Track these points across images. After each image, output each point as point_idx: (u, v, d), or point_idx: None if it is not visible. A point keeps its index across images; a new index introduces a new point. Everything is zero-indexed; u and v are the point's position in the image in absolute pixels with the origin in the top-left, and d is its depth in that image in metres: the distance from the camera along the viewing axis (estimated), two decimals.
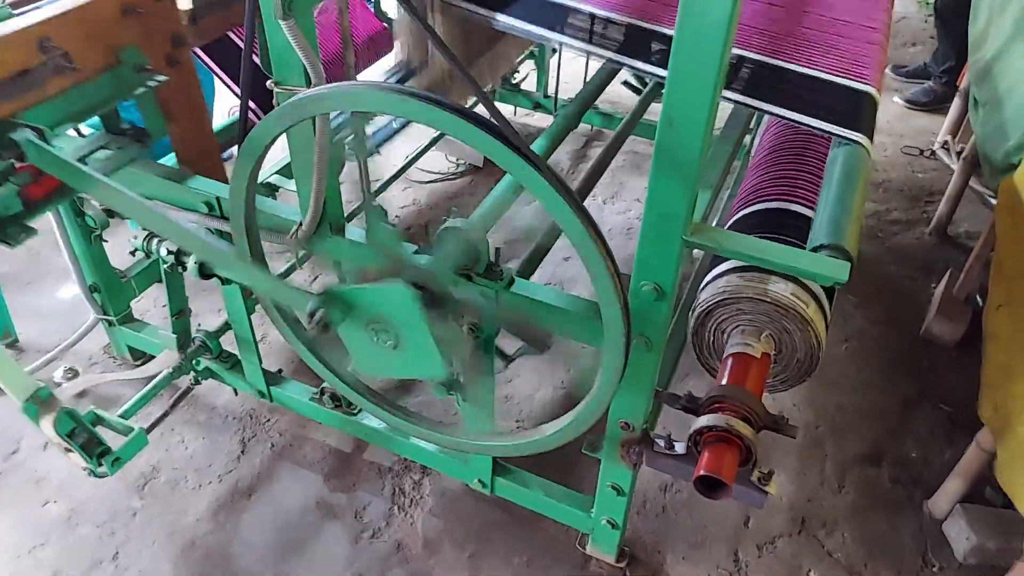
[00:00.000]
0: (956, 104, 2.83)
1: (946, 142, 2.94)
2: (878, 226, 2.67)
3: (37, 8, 1.21)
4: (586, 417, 1.22)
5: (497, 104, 2.97)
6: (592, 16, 1.43)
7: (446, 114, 0.92)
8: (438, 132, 2.84)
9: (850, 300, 2.34)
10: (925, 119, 3.34)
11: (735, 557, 1.67)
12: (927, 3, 4.34)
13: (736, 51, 1.45)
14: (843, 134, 1.29)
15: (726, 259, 1.36)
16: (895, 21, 4.38)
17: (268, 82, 1.19)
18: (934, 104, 3.37)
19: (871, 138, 1.31)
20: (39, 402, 1.43)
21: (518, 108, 3.06)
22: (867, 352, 2.18)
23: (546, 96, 2.96)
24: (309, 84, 1.15)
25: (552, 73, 2.84)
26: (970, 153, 2.39)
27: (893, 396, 2.04)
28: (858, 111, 1.36)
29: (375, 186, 2.51)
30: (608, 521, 1.54)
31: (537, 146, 1.77)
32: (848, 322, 2.27)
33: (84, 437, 1.50)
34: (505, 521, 1.70)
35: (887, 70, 3.72)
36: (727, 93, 1.36)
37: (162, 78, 1.36)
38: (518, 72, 2.97)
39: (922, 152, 3.05)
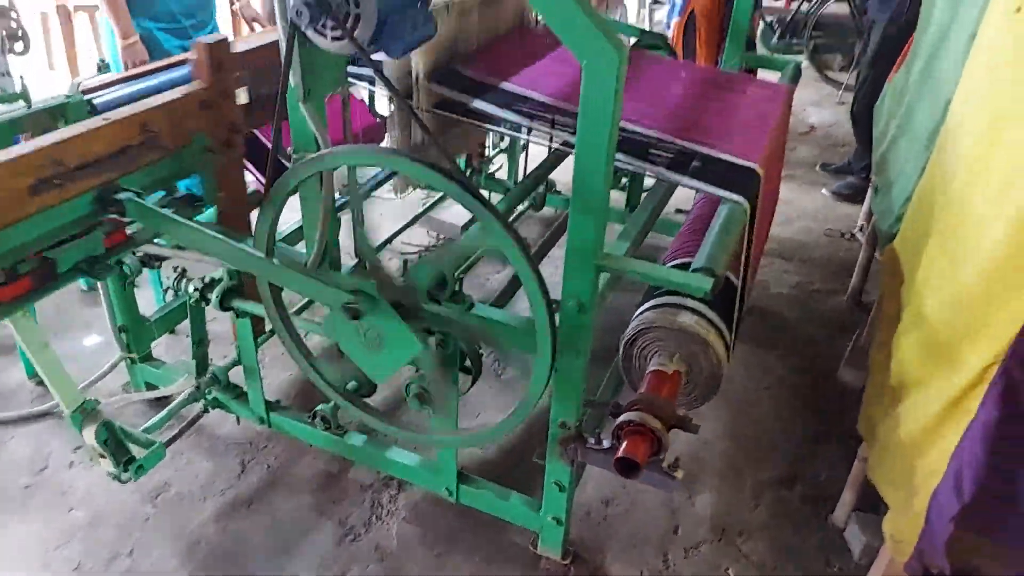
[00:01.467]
0: (870, 194, 3.30)
1: (862, 226, 3.39)
2: (802, 295, 3.07)
3: (119, 100, 1.62)
4: (526, 408, 1.54)
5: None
6: (535, 102, 1.85)
7: (414, 164, 1.29)
8: (421, 210, 3.28)
9: (773, 355, 2.70)
10: (848, 208, 3.82)
11: (664, 558, 1.95)
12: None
13: (656, 134, 1.86)
14: (728, 196, 1.68)
15: (649, 300, 1.72)
16: (828, 126, 4.99)
17: (288, 147, 1.58)
18: (855, 195, 3.86)
19: (752, 200, 1.71)
20: (85, 413, 1.74)
21: (492, 193, 3.50)
22: (786, 396, 2.52)
23: (515, 184, 3.41)
24: (318, 150, 1.55)
25: (521, 164, 3.30)
26: (871, 230, 2.83)
27: (806, 431, 2.37)
28: (743, 181, 1.76)
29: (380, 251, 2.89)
30: (554, 518, 1.83)
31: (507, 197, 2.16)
32: (770, 373, 2.62)
33: (115, 446, 1.79)
34: (470, 527, 1.97)
35: (816, 167, 4.26)
36: (645, 166, 1.77)
37: (221, 157, 1.75)
38: (492, 163, 3.43)
39: (843, 235, 3.50)
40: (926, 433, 1.42)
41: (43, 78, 4.89)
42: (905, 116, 2.59)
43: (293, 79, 1.43)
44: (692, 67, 2.42)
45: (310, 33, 1.33)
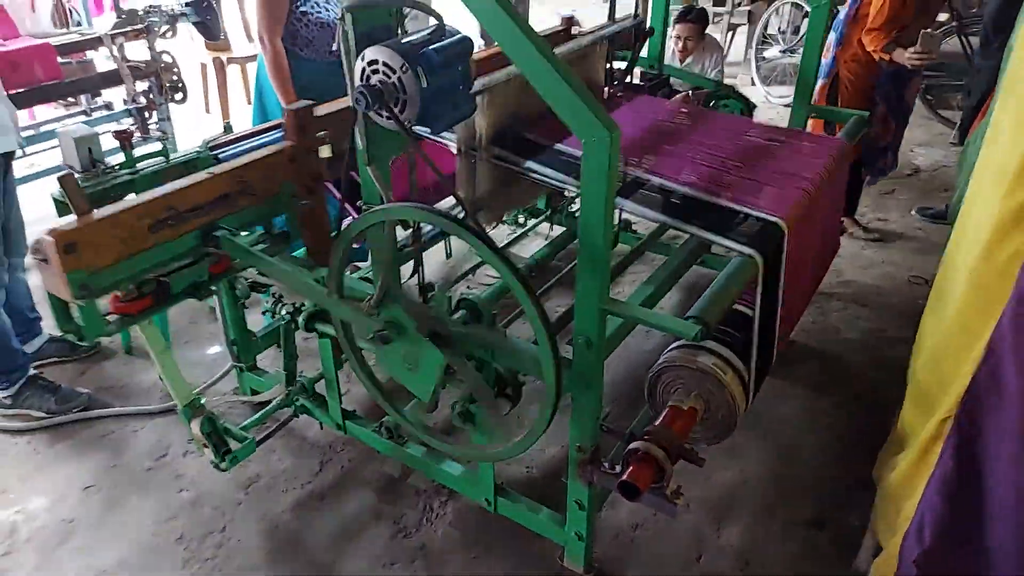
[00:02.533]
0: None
1: None
2: (871, 341, 3.07)
3: (237, 154, 2.03)
4: (538, 430, 1.75)
5: (557, 227, 3.68)
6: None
7: (446, 221, 1.56)
8: (505, 242, 3.55)
9: (831, 400, 2.74)
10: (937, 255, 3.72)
11: None
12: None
13: (674, 186, 2.03)
14: (737, 248, 1.83)
15: (677, 340, 1.89)
16: (934, 169, 4.84)
17: (359, 201, 1.90)
18: None
19: (768, 253, 1.85)
20: (193, 407, 2.13)
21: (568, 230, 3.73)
22: (834, 441, 2.56)
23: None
24: (383, 203, 1.85)
25: None
26: None
27: (848, 476, 2.41)
28: (762, 234, 1.90)
29: (458, 283, 3.20)
30: (576, 534, 2.02)
31: (541, 251, 2.39)
32: (823, 416, 2.66)
33: (216, 438, 2.17)
34: (506, 536, 2.20)
35: (912, 211, 4.18)
36: (666, 219, 1.95)
37: (306, 202, 2.11)
38: (575, 203, 3.66)
39: (927, 282, 3.44)
40: (906, 480, 1.51)
41: (199, 120, 5.65)
42: (977, 172, 2.59)
43: (360, 145, 1.75)
44: (748, 123, 2.54)
45: (371, 113, 1.64)
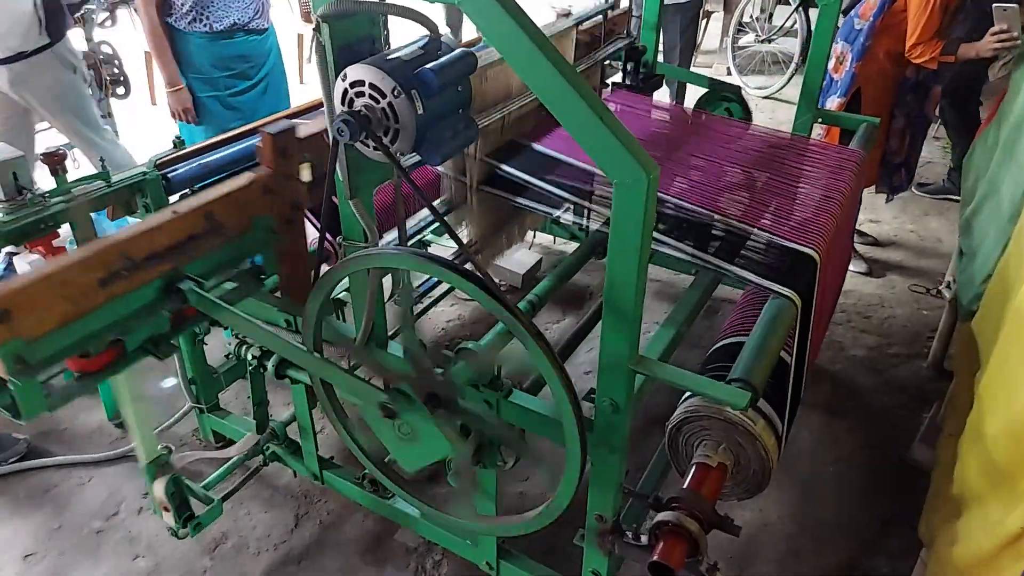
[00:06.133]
0: (955, 253, 3.11)
1: (949, 282, 3.19)
2: (878, 359, 2.91)
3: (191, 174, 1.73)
4: (560, 504, 1.53)
5: (540, 234, 3.44)
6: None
7: (444, 270, 1.31)
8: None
9: (843, 425, 2.58)
10: (935, 261, 3.60)
11: None
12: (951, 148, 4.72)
13: (708, 212, 1.82)
14: (776, 289, 1.62)
15: None
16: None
17: (338, 237, 1.64)
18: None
19: (804, 292, 1.65)
20: (159, 465, 1.85)
21: (556, 238, 3.50)
22: (853, 474, 2.40)
23: (581, 229, 3.39)
24: (366, 241, 1.59)
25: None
26: (954, 296, 2.65)
27: (873, 515, 2.25)
28: (797, 270, 1.70)
29: (427, 299, 2.93)
30: None
31: (555, 273, 2.15)
32: (839, 445, 2.50)
33: (179, 501, 1.89)
34: None
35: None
36: (694, 254, 1.73)
37: (283, 237, 1.82)
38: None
39: (928, 291, 3.30)
40: (981, 564, 1.32)
41: (146, 114, 5.23)
42: (991, 180, 2.43)
43: (340, 176, 1.48)
44: (754, 131, 2.34)
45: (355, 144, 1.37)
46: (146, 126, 4.73)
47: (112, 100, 3.74)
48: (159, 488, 1.84)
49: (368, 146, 1.36)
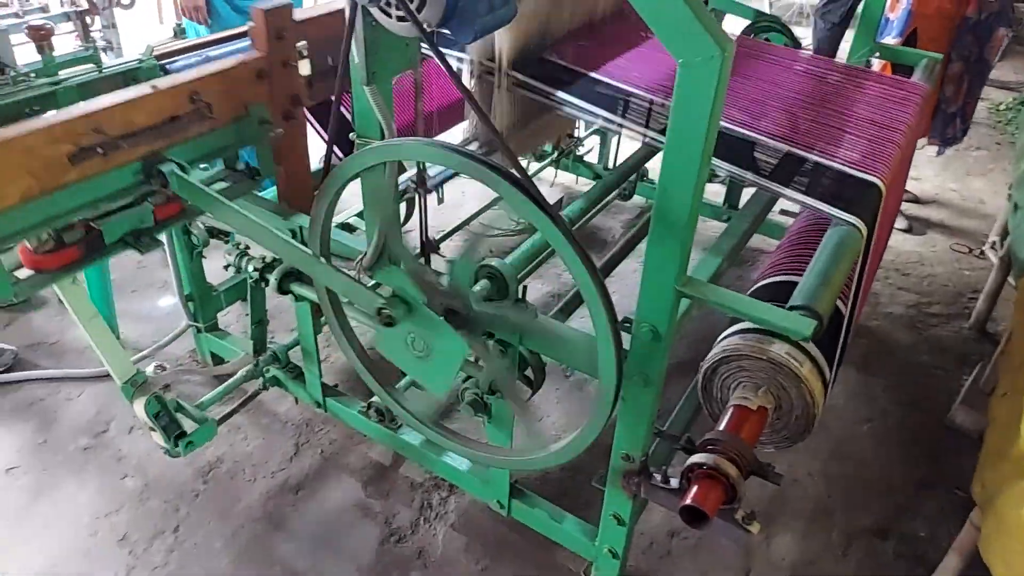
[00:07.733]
0: (1006, 207, 2.91)
1: (995, 243, 3.01)
2: (917, 317, 2.74)
3: (190, 67, 1.53)
4: (586, 436, 1.38)
5: (561, 173, 3.25)
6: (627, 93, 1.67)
7: (475, 164, 1.14)
8: None
9: (879, 383, 2.42)
10: (976, 221, 3.40)
11: None
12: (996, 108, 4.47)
13: (760, 136, 1.64)
14: (841, 216, 1.45)
15: (738, 323, 1.52)
16: None
17: (352, 134, 1.46)
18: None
19: (869, 222, 1.47)
20: (136, 385, 1.70)
21: (580, 178, 3.31)
22: (889, 433, 2.25)
23: (606, 168, 3.21)
24: (383, 138, 1.42)
25: (613, 148, 3.10)
26: (1006, 253, 2.47)
27: (909, 477, 2.11)
28: (861, 198, 1.52)
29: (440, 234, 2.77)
30: (610, 550, 1.68)
31: (575, 206, 1.97)
32: (874, 403, 2.35)
33: (166, 420, 1.75)
34: (519, 543, 1.85)
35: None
36: (746, 175, 1.56)
37: (280, 131, 1.66)
38: (583, 145, 3.23)
39: (971, 251, 3.11)
40: None
41: (152, 31, 5.00)
42: None
43: (356, 58, 1.30)
44: (812, 59, 2.13)
45: (374, 11, 1.19)
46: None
47: (116, 10, 3.53)
48: (139, 408, 1.70)
49: (390, 16, 1.18)
